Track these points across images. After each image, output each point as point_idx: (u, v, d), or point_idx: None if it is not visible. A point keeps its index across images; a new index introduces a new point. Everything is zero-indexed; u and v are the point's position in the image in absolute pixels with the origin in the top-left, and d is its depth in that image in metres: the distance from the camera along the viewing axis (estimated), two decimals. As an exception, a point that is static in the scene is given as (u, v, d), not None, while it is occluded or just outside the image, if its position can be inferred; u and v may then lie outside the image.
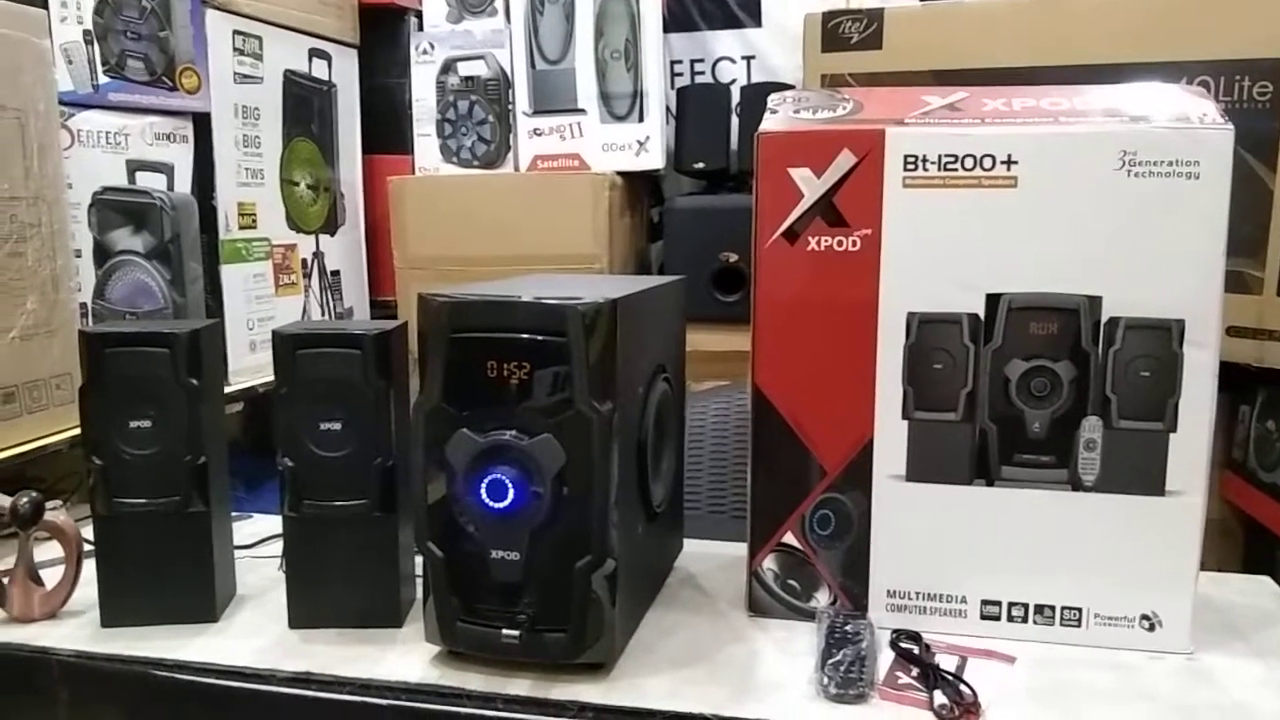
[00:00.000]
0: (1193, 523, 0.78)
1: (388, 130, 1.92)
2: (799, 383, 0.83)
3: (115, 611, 0.86)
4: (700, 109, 1.79)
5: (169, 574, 0.86)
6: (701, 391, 1.43)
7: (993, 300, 0.78)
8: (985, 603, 0.82)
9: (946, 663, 0.77)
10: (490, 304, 0.74)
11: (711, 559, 0.99)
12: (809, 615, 0.84)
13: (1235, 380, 1.40)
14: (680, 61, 1.90)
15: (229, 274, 1.58)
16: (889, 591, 0.84)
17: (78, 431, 0.86)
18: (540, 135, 1.80)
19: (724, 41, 1.88)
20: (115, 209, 1.42)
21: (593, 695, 0.74)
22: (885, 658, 0.78)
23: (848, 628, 0.80)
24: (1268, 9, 1.34)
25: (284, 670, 0.79)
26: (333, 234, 1.85)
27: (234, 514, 0.96)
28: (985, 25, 1.49)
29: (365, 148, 1.92)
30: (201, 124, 1.54)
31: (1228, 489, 1.50)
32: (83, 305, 1.37)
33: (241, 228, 1.61)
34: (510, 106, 1.81)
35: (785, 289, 0.82)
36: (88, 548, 0.88)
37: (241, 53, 1.60)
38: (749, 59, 1.87)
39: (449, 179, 1.84)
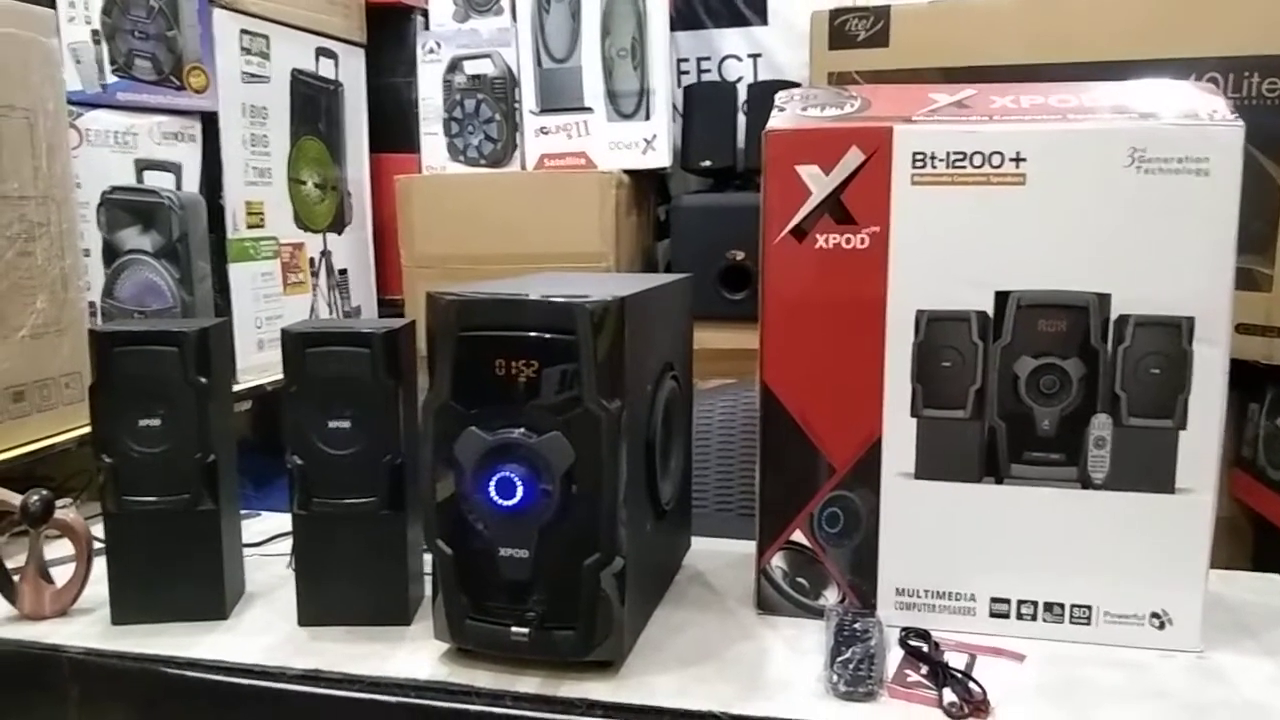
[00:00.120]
0: (1203, 520, 0.78)
1: (395, 129, 1.92)
2: (807, 380, 0.82)
3: (125, 609, 0.86)
4: (707, 107, 1.79)
5: (179, 572, 0.86)
6: (708, 390, 1.43)
7: (1001, 298, 0.78)
8: (994, 600, 0.82)
9: (955, 661, 0.77)
10: (499, 302, 0.74)
11: (719, 557, 0.99)
12: (817, 613, 0.84)
13: (1244, 378, 1.40)
14: (686, 60, 1.89)
15: (237, 273, 1.58)
16: (898, 589, 0.84)
17: (87, 430, 0.86)
18: (547, 134, 1.80)
19: (730, 39, 1.87)
20: (123, 208, 1.42)
21: (601, 693, 0.74)
22: (894, 656, 0.78)
23: (856, 625, 0.80)
24: (1277, 4, 1.33)
25: (293, 667, 0.79)
26: (340, 233, 1.86)
27: (243, 512, 0.97)
28: (992, 23, 1.48)
29: (372, 147, 1.92)
30: (209, 123, 1.54)
31: (1237, 487, 1.49)
32: (91, 304, 1.37)
33: (249, 226, 1.61)
34: (517, 105, 1.81)
35: (793, 287, 0.81)
36: (98, 545, 0.88)
37: (249, 52, 1.60)
38: (755, 57, 1.87)
39: (456, 177, 1.84)
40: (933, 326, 0.80)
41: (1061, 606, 0.81)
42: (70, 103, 1.28)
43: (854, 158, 0.79)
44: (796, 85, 1.47)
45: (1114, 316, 0.77)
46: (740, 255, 1.65)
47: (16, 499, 0.88)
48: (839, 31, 1.56)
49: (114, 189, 1.41)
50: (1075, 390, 0.78)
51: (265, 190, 1.65)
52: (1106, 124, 0.77)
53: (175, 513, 0.85)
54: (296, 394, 0.83)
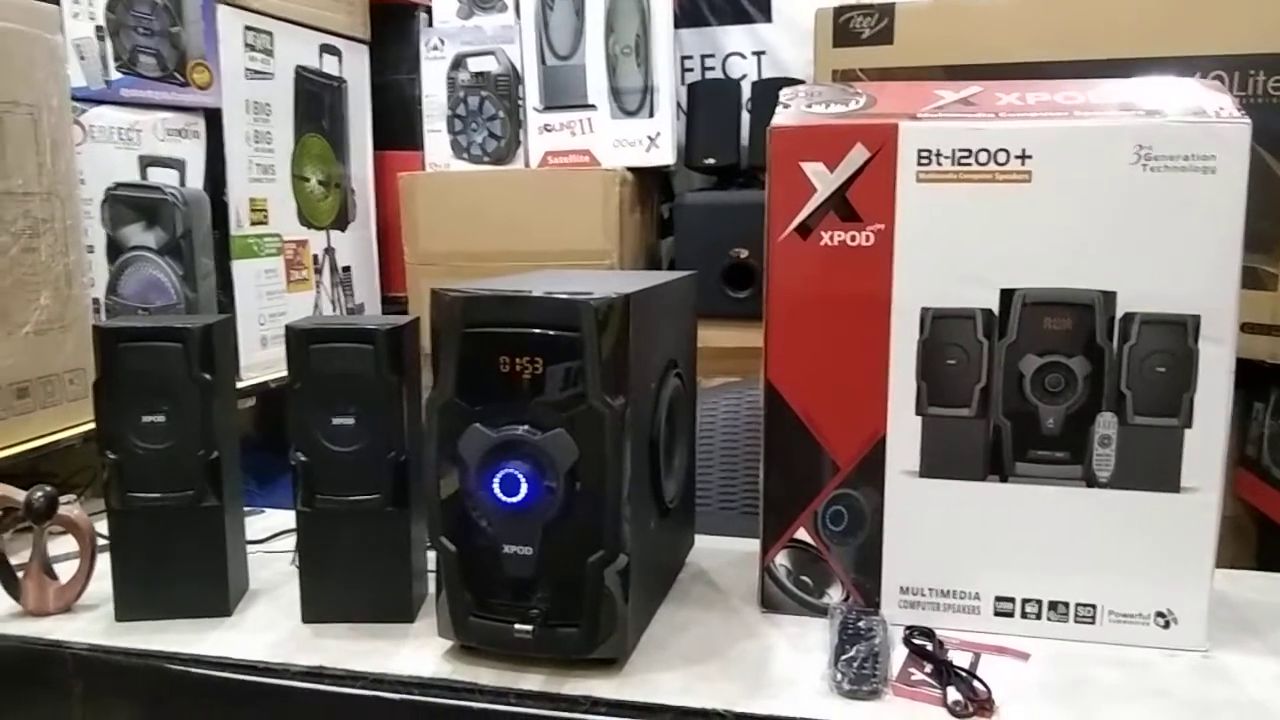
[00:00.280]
0: (1208, 519, 0.78)
1: (398, 126, 1.92)
2: (812, 378, 0.82)
3: (129, 605, 0.86)
4: (711, 104, 1.79)
5: (182, 568, 0.86)
6: (713, 388, 1.43)
7: (1007, 295, 0.78)
8: (999, 599, 0.82)
9: (960, 659, 0.77)
10: (503, 299, 0.74)
11: (723, 555, 0.99)
12: (821, 611, 0.84)
13: (1249, 377, 1.39)
14: (691, 57, 1.89)
15: (240, 269, 1.58)
16: (902, 588, 0.83)
17: (91, 426, 0.86)
18: (551, 131, 1.80)
19: (734, 37, 1.87)
20: (128, 205, 1.42)
21: (605, 690, 0.74)
22: (898, 654, 0.78)
23: (860, 624, 0.79)
24: (1282, 3, 1.33)
25: (297, 664, 0.79)
26: (344, 230, 1.86)
27: (247, 509, 0.96)
28: (997, 20, 1.48)
29: (376, 144, 1.92)
30: (213, 120, 1.54)
31: (1241, 486, 1.49)
32: (95, 301, 1.37)
33: (253, 223, 1.61)
34: (521, 102, 1.81)
35: (798, 284, 0.81)
36: (102, 542, 0.88)
37: (253, 48, 1.60)
38: (759, 54, 1.87)
39: (459, 175, 1.84)
40: (938, 324, 0.79)
41: (1066, 605, 0.81)
42: (74, 99, 1.28)
43: (859, 155, 0.79)
44: (800, 83, 1.47)
45: (1119, 314, 0.77)
46: (744, 253, 1.65)
47: (20, 495, 0.88)
48: (843, 29, 1.56)
49: (118, 185, 1.41)
50: (1080, 388, 0.78)
51: (269, 187, 1.65)
52: (1113, 121, 0.76)
53: (179, 509, 0.85)
54: (300, 391, 0.83)
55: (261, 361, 1.60)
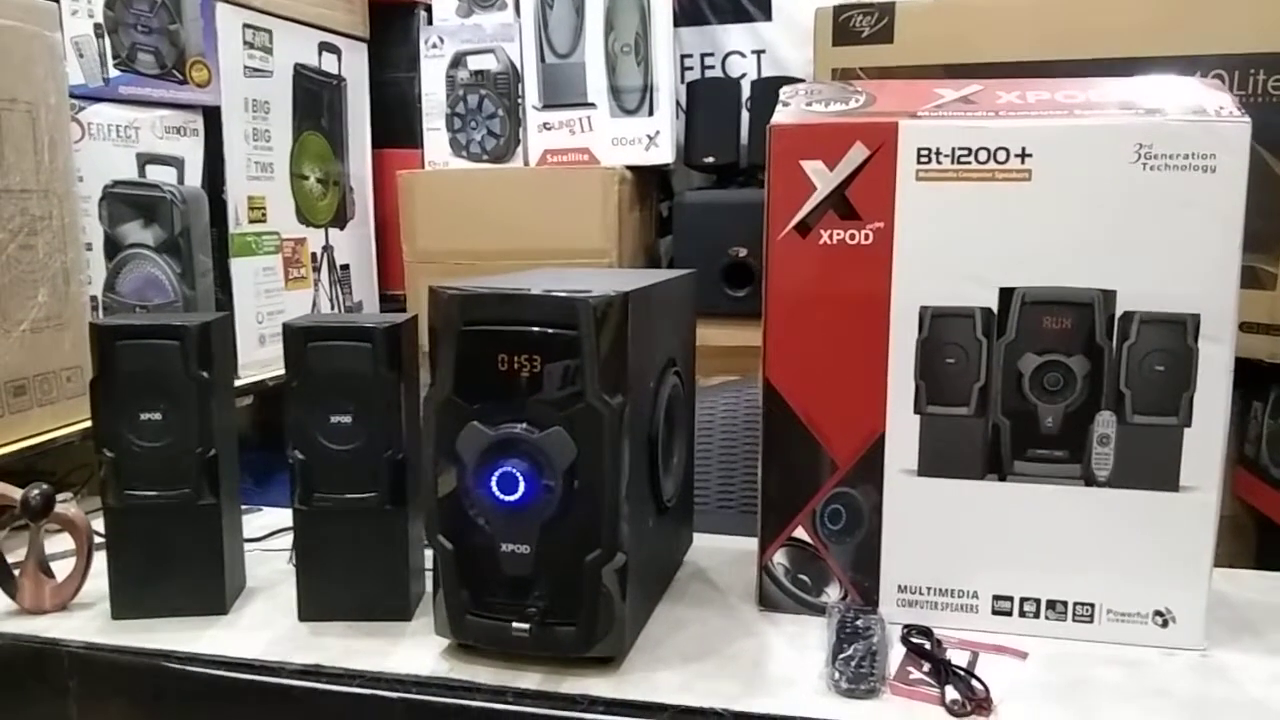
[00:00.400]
0: (1207, 518, 0.78)
1: (397, 124, 1.92)
2: (810, 376, 0.82)
3: (125, 603, 0.86)
4: (710, 103, 1.78)
5: (179, 566, 0.86)
6: (711, 387, 1.43)
7: (1006, 294, 0.78)
8: (997, 598, 0.82)
9: (958, 658, 0.77)
10: (501, 297, 0.74)
11: (721, 553, 0.99)
12: (819, 610, 0.84)
13: (1248, 377, 1.39)
14: (690, 55, 1.89)
15: (239, 267, 1.58)
16: (900, 586, 0.83)
17: (88, 424, 0.86)
18: (550, 129, 1.80)
19: (734, 35, 1.87)
20: (126, 202, 1.42)
21: (602, 689, 0.74)
22: (896, 653, 0.78)
23: (858, 623, 0.79)
24: (1282, 2, 1.33)
25: (293, 663, 0.79)
26: (342, 228, 1.85)
27: (244, 507, 0.96)
28: (997, 19, 1.48)
29: (375, 142, 1.92)
30: (212, 117, 1.54)
31: (1240, 486, 1.49)
32: (93, 298, 1.37)
33: (251, 221, 1.61)
34: (520, 100, 1.81)
35: (797, 282, 0.81)
36: (98, 540, 0.88)
37: (252, 46, 1.60)
38: (759, 53, 1.86)
39: (458, 173, 1.84)
40: (937, 323, 0.79)
41: (1064, 604, 0.81)
42: (72, 96, 1.28)
43: (858, 153, 0.79)
44: (800, 82, 1.47)
45: (1119, 313, 0.77)
46: (743, 252, 1.65)
47: (17, 493, 0.87)
48: (843, 27, 1.55)
49: (116, 183, 1.41)
50: (1079, 387, 0.78)
51: (267, 185, 1.65)
52: (1113, 120, 0.76)
53: (176, 507, 0.85)
54: (298, 389, 0.82)
55: (260, 359, 1.60)
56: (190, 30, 1.48)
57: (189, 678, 0.79)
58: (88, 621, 0.86)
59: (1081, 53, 1.41)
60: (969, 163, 0.77)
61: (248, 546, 0.95)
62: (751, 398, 1.32)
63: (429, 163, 1.87)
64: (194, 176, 1.52)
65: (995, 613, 0.82)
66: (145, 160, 1.45)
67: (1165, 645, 0.79)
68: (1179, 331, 0.76)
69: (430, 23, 1.87)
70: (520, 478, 0.72)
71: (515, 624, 0.74)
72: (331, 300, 1.82)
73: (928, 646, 0.78)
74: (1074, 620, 0.81)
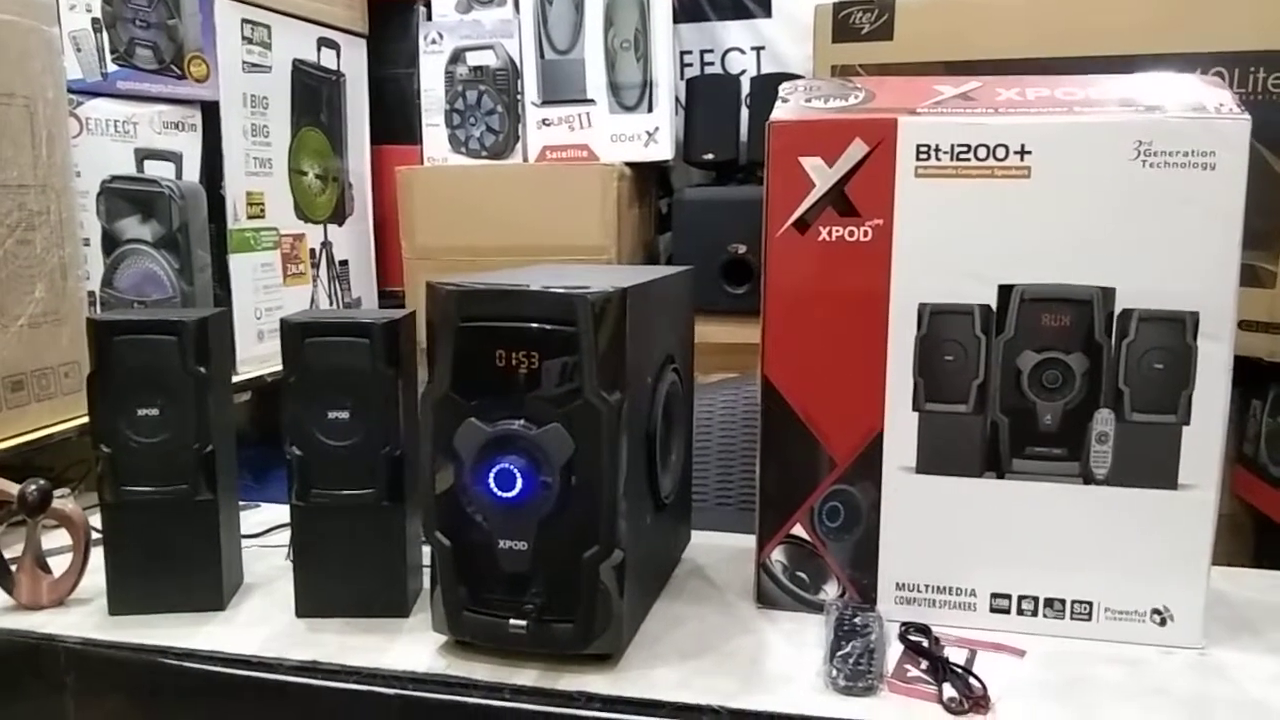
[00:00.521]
0: (1205, 517, 0.78)
1: (396, 120, 1.92)
2: (809, 374, 0.82)
3: (122, 599, 0.86)
4: (709, 100, 1.78)
5: (176, 562, 0.86)
6: (710, 384, 1.42)
7: (1005, 291, 0.78)
8: (995, 596, 0.82)
9: (956, 656, 0.77)
10: (499, 293, 0.74)
11: (719, 550, 0.99)
12: (817, 607, 0.84)
13: (1247, 375, 1.39)
14: (690, 52, 1.89)
15: (237, 263, 1.58)
16: (898, 584, 0.83)
17: (86, 419, 0.86)
18: (549, 125, 1.80)
19: (734, 32, 1.87)
20: (123, 197, 1.41)
21: (600, 686, 0.74)
22: (894, 650, 0.78)
23: (856, 620, 0.79)
24: (1282, 0, 1.33)
25: (291, 659, 0.79)
26: (341, 224, 1.85)
27: (241, 503, 0.96)
28: (997, 16, 1.48)
29: (374, 138, 1.92)
30: (210, 113, 1.54)
31: (1239, 484, 1.49)
32: (91, 294, 1.37)
33: (250, 217, 1.61)
34: (519, 97, 1.81)
35: (796, 279, 0.81)
36: (95, 536, 0.88)
37: (250, 41, 1.60)
38: (759, 50, 1.86)
39: (457, 169, 1.84)
40: (935, 320, 0.79)
41: (1062, 602, 0.81)
42: (70, 91, 1.28)
43: (858, 149, 0.78)
44: (799, 78, 1.47)
45: (1118, 311, 0.77)
46: (742, 249, 1.65)
47: (14, 488, 0.87)
48: (843, 24, 1.55)
49: (114, 178, 1.41)
50: (1078, 385, 0.78)
51: (266, 181, 1.65)
52: (1112, 117, 0.76)
53: (173, 503, 0.84)
54: (295, 385, 0.82)
55: (258, 355, 1.59)
56: (188, 25, 1.48)
57: (186, 673, 0.79)
58: (85, 617, 0.86)
59: (1081, 50, 1.41)
60: (968, 159, 0.77)
61: (245, 542, 0.95)
62: (750, 395, 1.32)
63: (428, 159, 1.86)
64: (192, 172, 1.51)
65: (993, 610, 0.82)
66: (143, 155, 1.45)
67: (1163, 644, 0.79)
68: (1178, 329, 0.76)
69: (430, 18, 1.87)
70: (518, 474, 0.72)
71: (512, 620, 0.74)
72: (330, 296, 1.82)
73: (925, 644, 0.78)
74: (1072, 618, 0.81)
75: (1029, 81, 0.83)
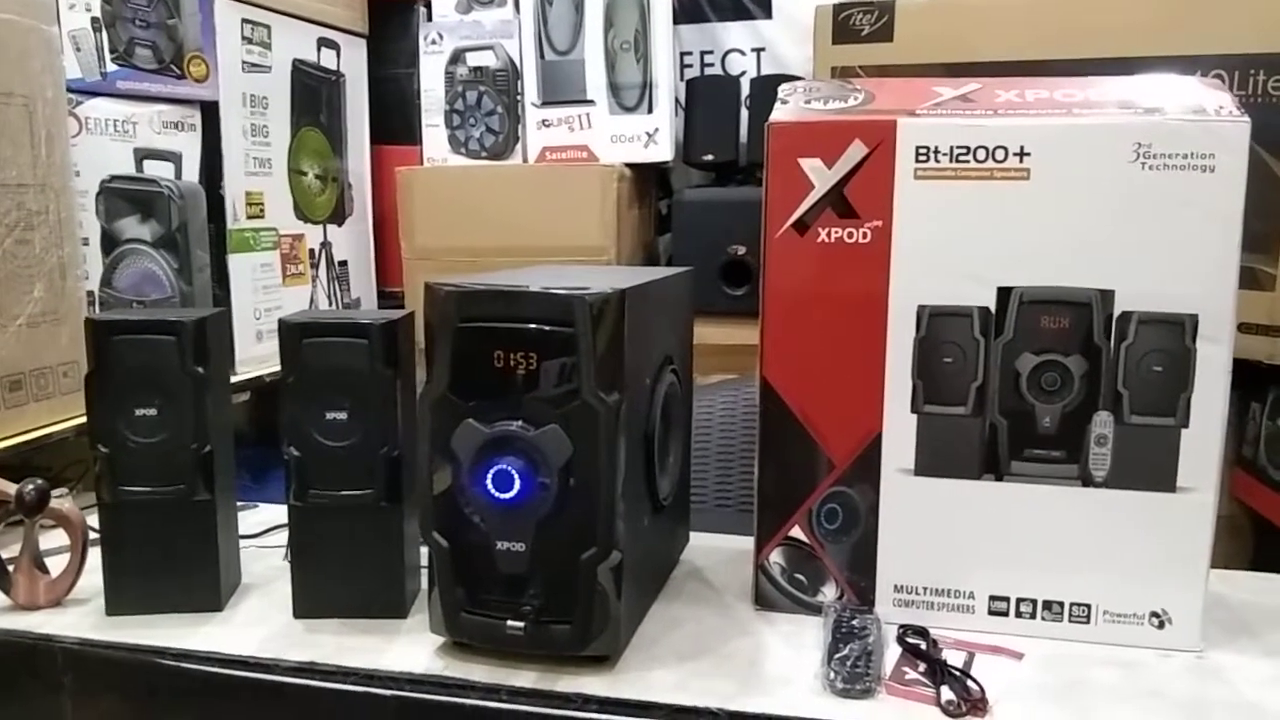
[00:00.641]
0: (1204, 519, 0.77)
1: (396, 121, 1.92)
2: (808, 375, 0.82)
3: (120, 600, 0.86)
4: (709, 101, 1.78)
5: (174, 563, 0.86)
6: (709, 386, 1.42)
7: (1004, 293, 0.78)
8: (993, 598, 0.82)
9: (954, 658, 0.77)
10: (497, 293, 0.74)
11: (717, 552, 0.99)
12: (815, 609, 0.84)
13: (1246, 377, 1.39)
14: (690, 53, 1.89)
15: (236, 263, 1.58)
16: (896, 586, 0.83)
17: (84, 419, 0.86)
18: (549, 126, 1.80)
19: (734, 33, 1.87)
20: (123, 197, 1.41)
21: (597, 688, 0.73)
22: (892, 653, 0.78)
23: (854, 622, 0.79)
24: (1283, 2, 1.33)
25: (288, 660, 0.78)
26: (340, 224, 1.85)
27: (239, 503, 0.96)
28: (997, 18, 1.48)
29: (373, 138, 1.92)
30: (209, 113, 1.54)
31: (1237, 487, 1.49)
32: (90, 293, 1.37)
33: (249, 217, 1.61)
34: (519, 97, 1.81)
35: (795, 281, 0.81)
36: (93, 536, 0.88)
37: (250, 41, 1.59)
38: (759, 51, 1.86)
39: (457, 170, 1.84)
40: (934, 322, 0.79)
41: (1061, 605, 0.81)
42: (70, 90, 1.28)
43: (857, 151, 0.78)
44: (799, 79, 1.47)
45: (1117, 313, 0.77)
46: (741, 250, 1.65)
47: (12, 488, 0.87)
48: (843, 26, 1.55)
49: (113, 178, 1.41)
50: (1077, 387, 0.78)
51: (265, 181, 1.65)
52: (1112, 119, 0.76)
53: (171, 503, 0.84)
54: (293, 385, 0.82)
55: (257, 356, 1.59)
56: (188, 25, 1.48)
57: (183, 674, 0.79)
58: (82, 618, 0.86)
59: (1080, 52, 1.40)
60: (967, 161, 0.77)
61: (243, 543, 0.95)
62: (749, 396, 1.32)
63: (428, 159, 1.86)
64: (191, 172, 1.51)
65: (991, 613, 0.82)
66: (143, 155, 1.45)
67: (1161, 646, 0.79)
68: (1177, 332, 0.76)
69: (430, 19, 1.87)
70: (516, 475, 0.72)
71: (510, 622, 0.74)
72: (329, 297, 1.82)
73: (923, 646, 0.78)
74: (1070, 621, 0.81)
75: (1028, 83, 0.83)
